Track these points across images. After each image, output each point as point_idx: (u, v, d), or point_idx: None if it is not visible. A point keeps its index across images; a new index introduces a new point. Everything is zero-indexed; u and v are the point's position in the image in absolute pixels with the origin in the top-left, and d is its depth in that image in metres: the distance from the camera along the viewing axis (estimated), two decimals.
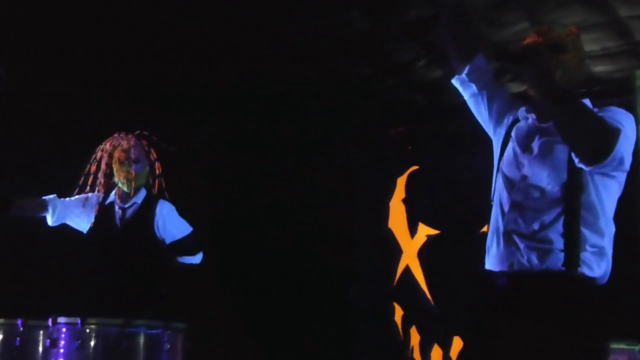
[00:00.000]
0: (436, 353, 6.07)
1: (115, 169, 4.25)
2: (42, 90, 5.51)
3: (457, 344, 5.91)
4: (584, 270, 2.62)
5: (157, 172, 4.32)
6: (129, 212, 4.26)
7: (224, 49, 5.38)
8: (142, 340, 3.71)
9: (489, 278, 2.77)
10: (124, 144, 4.26)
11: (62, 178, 4.45)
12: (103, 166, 4.24)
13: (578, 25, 4.61)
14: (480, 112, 3.04)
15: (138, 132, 4.33)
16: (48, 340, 3.70)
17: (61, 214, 4.32)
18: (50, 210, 4.28)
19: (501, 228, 2.76)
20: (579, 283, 2.64)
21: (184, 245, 4.32)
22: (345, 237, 6.65)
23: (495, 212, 2.85)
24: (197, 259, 4.40)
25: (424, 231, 6.35)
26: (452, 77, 3.09)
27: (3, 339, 3.87)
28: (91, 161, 4.25)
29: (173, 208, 4.33)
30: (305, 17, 4.90)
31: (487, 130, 3.05)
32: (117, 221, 4.25)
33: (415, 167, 6.48)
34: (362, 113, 6.62)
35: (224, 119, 6.57)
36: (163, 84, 5.93)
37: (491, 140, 3.07)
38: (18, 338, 3.86)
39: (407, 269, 6.37)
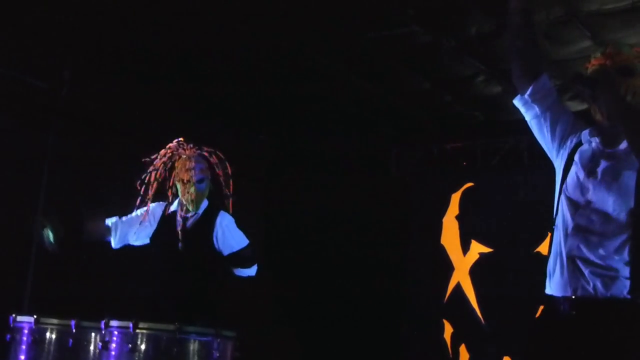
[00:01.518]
0: None
1: (179, 187, 4.29)
2: (102, 93, 5.58)
3: None
4: None
5: (229, 191, 4.32)
6: (190, 221, 4.30)
7: (284, 61, 5.45)
8: (192, 347, 3.72)
9: (550, 303, 2.72)
10: (188, 163, 4.27)
11: (123, 184, 4.50)
12: (160, 176, 4.25)
13: None
14: (543, 135, 2.94)
15: (203, 148, 4.34)
16: (100, 343, 3.72)
17: (122, 236, 4.40)
18: (112, 234, 4.37)
19: (564, 253, 2.72)
20: None
21: (241, 258, 4.36)
22: (398, 251, 6.64)
23: (557, 235, 2.79)
24: (252, 271, 4.44)
25: (477, 249, 6.31)
26: (514, 97, 2.98)
27: (56, 339, 3.91)
28: (149, 170, 4.25)
29: (232, 220, 4.36)
30: (367, 29, 4.94)
31: (548, 153, 2.96)
32: (178, 229, 4.27)
33: (470, 184, 6.46)
34: (419, 127, 6.63)
35: (282, 128, 6.65)
36: (223, 94, 6.01)
37: (548, 159, 2.98)
38: (71, 339, 3.88)
39: (458, 286, 6.35)
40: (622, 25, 4.62)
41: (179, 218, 4.30)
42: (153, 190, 4.22)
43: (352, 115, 6.47)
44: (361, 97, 6.11)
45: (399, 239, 6.65)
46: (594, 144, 2.75)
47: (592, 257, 2.63)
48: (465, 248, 6.37)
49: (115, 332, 3.71)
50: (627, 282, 2.57)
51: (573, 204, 2.74)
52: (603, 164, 2.72)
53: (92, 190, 5.26)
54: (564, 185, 2.80)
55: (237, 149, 4.76)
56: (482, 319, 6.15)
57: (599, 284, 2.60)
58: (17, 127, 5.12)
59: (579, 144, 2.82)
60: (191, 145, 4.32)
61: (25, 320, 3.92)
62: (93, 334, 3.87)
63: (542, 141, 2.96)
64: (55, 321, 3.93)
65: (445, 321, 6.33)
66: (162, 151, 4.28)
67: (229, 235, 4.31)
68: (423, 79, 5.75)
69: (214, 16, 4.77)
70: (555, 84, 5.25)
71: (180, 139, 4.31)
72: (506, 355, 5.88)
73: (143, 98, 5.76)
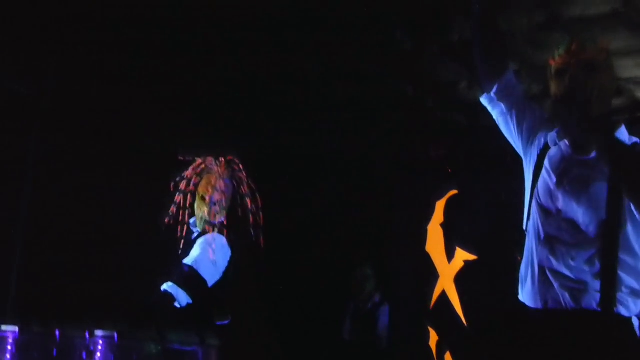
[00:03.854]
0: None
1: (196, 200, 4.24)
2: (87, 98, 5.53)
3: None
4: (620, 310, 2.54)
5: (260, 223, 4.27)
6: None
7: (268, 66, 5.42)
8: (176, 356, 3.74)
9: (523, 313, 2.71)
10: (214, 180, 4.23)
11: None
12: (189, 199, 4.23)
13: (624, 50, 4.73)
14: (510, 132, 2.94)
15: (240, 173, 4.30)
16: (84, 352, 3.76)
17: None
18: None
19: (535, 261, 2.68)
20: (616, 323, 2.56)
21: (178, 271, 4.12)
22: (383, 258, 6.63)
23: (529, 242, 2.76)
24: (179, 296, 4.08)
25: (462, 256, 6.29)
26: (481, 95, 3.01)
27: (41, 348, 3.93)
28: (178, 191, 4.22)
29: (218, 242, 4.21)
30: (349, 35, 4.94)
31: (517, 150, 2.96)
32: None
33: (454, 192, 6.46)
34: (403, 133, 6.59)
35: (263, 134, 6.61)
36: (209, 98, 5.99)
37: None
38: (55, 348, 3.92)
39: (443, 294, 6.33)
40: (604, 30, 4.60)
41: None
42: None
43: (336, 121, 6.46)
44: (345, 103, 6.08)
45: (384, 246, 6.66)
46: (563, 148, 2.72)
47: (561, 269, 2.61)
48: (450, 256, 6.36)
49: (100, 342, 3.75)
50: (597, 295, 2.54)
51: (543, 211, 2.71)
52: (573, 172, 2.68)
53: (76, 199, 5.24)
54: (535, 191, 2.76)
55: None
56: (467, 327, 6.14)
57: (568, 297, 2.57)
58: None
59: (547, 146, 2.78)
60: (227, 166, 4.28)
61: (10, 330, 3.95)
62: (77, 344, 3.92)
63: (510, 139, 2.97)
64: (40, 330, 3.94)
65: (430, 329, 6.30)
66: (198, 161, 4.25)
67: (196, 247, 4.17)
68: (406, 84, 5.71)
69: (201, 19, 4.76)
70: (537, 89, 5.32)
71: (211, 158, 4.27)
72: None
73: (128, 103, 5.73)
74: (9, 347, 3.93)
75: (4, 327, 3.94)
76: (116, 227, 5.38)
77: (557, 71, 2.67)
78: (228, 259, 4.23)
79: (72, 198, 5.19)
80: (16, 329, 3.92)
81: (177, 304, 4.03)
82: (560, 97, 2.63)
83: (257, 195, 4.28)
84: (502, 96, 2.91)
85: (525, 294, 2.71)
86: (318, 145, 6.81)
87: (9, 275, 5.05)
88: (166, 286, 4.03)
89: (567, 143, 2.70)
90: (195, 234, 4.26)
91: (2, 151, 5.05)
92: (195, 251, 4.15)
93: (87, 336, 3.78)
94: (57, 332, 3.92)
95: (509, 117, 2.92)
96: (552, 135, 2.74)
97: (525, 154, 2.89)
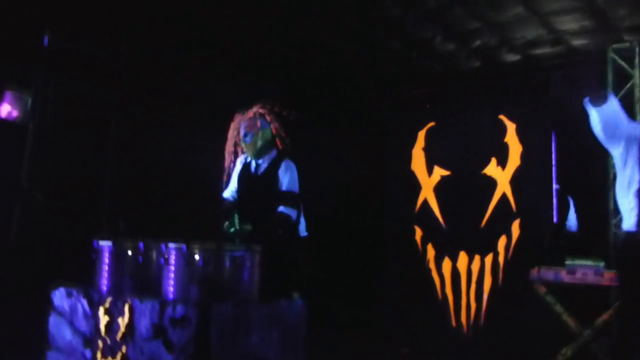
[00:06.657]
0: (446, 264, 6.70)
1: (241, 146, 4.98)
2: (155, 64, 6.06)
3: (462, 257, 6.61)
4: None
5: (275, 132, 4.86)
6: (262, 167, 5.00)
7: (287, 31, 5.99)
8: (229, 259, 4.25)
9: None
10: (238, 125, 4.87)
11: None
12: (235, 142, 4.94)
13: (562, 10, 5.38)
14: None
15: (260, 110, 4.87)
16: (162, 259, 4.30)
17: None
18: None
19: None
20: None
21: (285, 196, 4.77)
22: (377, 177, 7.19)
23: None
24: (292, 214, 4.75)
25: (439, 172, 6.90)
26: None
27: (130, 257, 4.52)
28: (229, 139, 4.90)
29: (294, 167, 4.86)
30: (353, 6, 5.55)
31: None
32: (253, 172, 4.98)
33: (432, 123, 6.97)
34: (393, 78, 7.07)
35: (286, 90, 6.98)
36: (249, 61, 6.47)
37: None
38: (140, 257, 4.48)
39: (425, 201, 6.94)
40: None
41: (253, 164, 4.97)
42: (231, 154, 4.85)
43: (341, 71, 6.95)
44: (347, 57, 6.52)
45: (380, 167, 7.21)
46: None
47: None
48: (429, 172, 6.95)
49: (173, 252, 4.24)
50: None
51: None
52: None
53: (158, 150, 5.87)
54: None
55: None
56: (443, 224, 6.80)
57: None
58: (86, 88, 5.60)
59: None
60: (254, 110, 4.90)
61: (106, 244, 4.57)
62: (156, 253, 4.43)
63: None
64: (129, 244, 4.51)
65: (416, 226, 6.95)
66: (233, 124, 4.97)
67: (284, 178, 4.81)
68: (394, 40, 6.20)
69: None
70: (494, 41, 5.97)
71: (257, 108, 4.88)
72: (462, 250, 6.61)
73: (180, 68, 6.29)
74: (106, 257, 4.55)
75: (101, 243, 4.56)
76: (186, 167, 6.08)
77: None
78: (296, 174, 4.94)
79: (153, 150, 5.93)
80: (110, 243, 4.54)
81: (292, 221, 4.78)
82: None
83: (277, 121, 4.90)
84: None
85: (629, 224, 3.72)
86: (329, 88, 7.25)
87: (102, 202, 5.77)
88: (283, 209, 4.78)
89: None
90: (262, 166, 4.95)
91: (90, 100, 5.69)
92: (284, 180, 4.83)
93: (163, 247, 4.24)
94: (141, 245, 4.43)
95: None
96: None
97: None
